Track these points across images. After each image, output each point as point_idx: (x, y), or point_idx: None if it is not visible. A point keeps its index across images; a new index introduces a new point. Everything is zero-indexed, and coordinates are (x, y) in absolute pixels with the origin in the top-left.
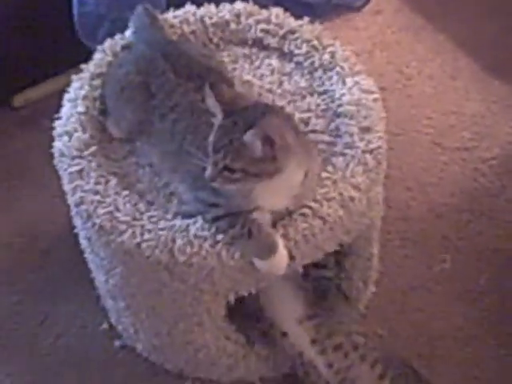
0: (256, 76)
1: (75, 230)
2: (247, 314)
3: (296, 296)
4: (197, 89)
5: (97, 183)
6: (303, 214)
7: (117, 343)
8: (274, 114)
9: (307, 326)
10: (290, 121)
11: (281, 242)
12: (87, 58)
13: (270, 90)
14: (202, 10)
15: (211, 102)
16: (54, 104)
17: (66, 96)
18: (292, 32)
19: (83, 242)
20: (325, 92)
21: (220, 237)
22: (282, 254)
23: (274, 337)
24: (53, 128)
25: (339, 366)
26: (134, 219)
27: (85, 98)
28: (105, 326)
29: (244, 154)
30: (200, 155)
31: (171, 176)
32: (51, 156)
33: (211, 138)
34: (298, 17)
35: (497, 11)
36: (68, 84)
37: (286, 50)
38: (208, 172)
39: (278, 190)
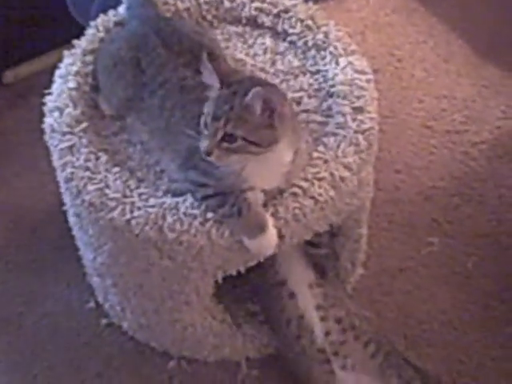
0: (249, 55)
1: (64, 207)
2: (235, 294)
3: (308, 263)
4: (187, 64)
5: (87, 160)
6: (294, 194)
7: (103, 321)
8: (272, 86)
9: (316, 292)
10: (285, 96)
11: (270, 221)
12: (79, 34)
13: (262, 69)
14: None
15: (208, 72)
16: (44, 81)
17: (57, 72)
18: (286, 11)
19: (72, 219)
20: (318, 72)
21: (210, 215)
22: (271, 233)
23: (269, 311)
24: (43, 105)
25: (335, 338)
26: (124, 196)
27: (76, 73)
28: (91, 304)
29: (245, 119)
30: (189, 132)
31: (161, 154)
32: (41, 134)
33: (209, 109)
34: None
35: None
36: (59, 60)
37: (279, 29)
38: (205, 145)
39: (268, 169)
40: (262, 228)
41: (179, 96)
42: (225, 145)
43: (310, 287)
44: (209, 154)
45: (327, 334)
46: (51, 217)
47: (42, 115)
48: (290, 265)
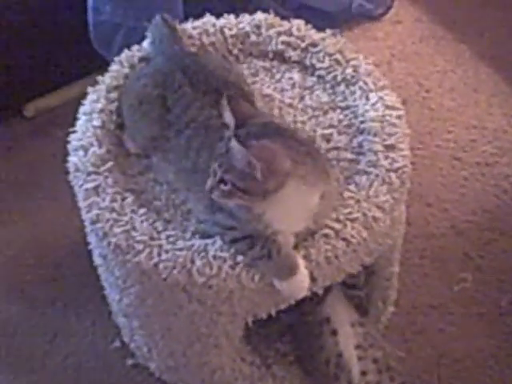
0: (276, 90)
1: (89, 247)
2: (264, 334)
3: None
4: (213, 104)
5: (113, 200)
6: (326, 235)
7: (129, 362)
8: (276, 138)
9: (357, 331)
10: (298, 146)
11: (302, 263)
12: (101, 66)
13: (290, 105)
14: (222, 21)
15: (226, 115)
16: (66, 113)
17: (82, 109)
18: (314, 45)
19: (97, 260)
20: (347, 107)
21: (240, 258)
22: (303, 274)
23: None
24: (65, 138)
25: (371, 378)
26: (151, 238)
27: (101, 111)
28: (117, 343)
29: (233, 167)
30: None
31: (187, 194)
32: (64, 167)
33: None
34: (317, 28)
35: None
36: (81, 94)
37: (307, 63)
38: (208, 182)
39: (290, 212)
40: (293, 270)
41: (205, 136)
42: (221, 186)
43: (352, 326)
44: (211, 192)
45: (363, 373)
46: (75, 253)
47: (64, 148)
48: (334, 302)
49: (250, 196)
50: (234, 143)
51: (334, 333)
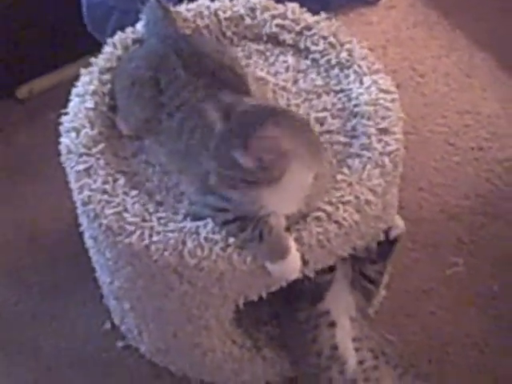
0: (270, 73)
1: (81, 229)
2: (255, 317)
3: (352, 296)
4: (207, 86)
5: (105, 182)
6: (318, 218)
7: (119, 344)
8: (271, 122)
9: (355, 324)
10: (294, 123)
11: (293, 245)
12: (94, 48)
13: (284, 88)
14: (216, 4)
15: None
16: (59, 96)
17: (74, 91)
18: (308, 28)
19: (88, 241)
20: (341, 91)
21: (231, 240)
22: (294, 257)
23: (289, 337)
24: (58, 121)
25: (369, 364)
26: (143, 220)
27: (94, 93)
28: (107, 325)
29: (238, 165)
30: (206, 157)
31: (179, 177)
32: (56, 150)
33: (212, 145)
34: (312, 11)
35: None
36: (74, 76)
37: (301, 46)
38: (211, 179)
39: (285, 194)
40: (284, 252)
41: (198, 119)
42: (227, 181)
43: (351, 320)
44: (216, 188)
45: (361, 362)
46: (68, 237)
47: (58, 131)
48: (336, 296)
49: (257, 184)
50: (237, 150)
51: (332, 324)
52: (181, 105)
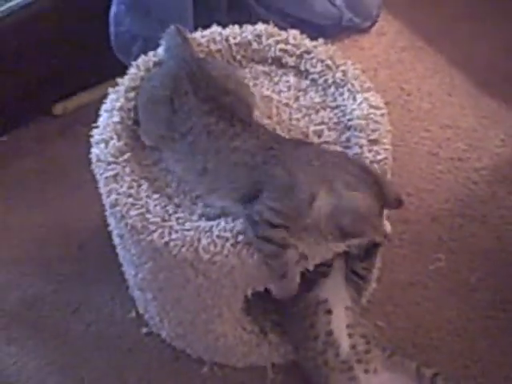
0: (275, 91)
1: (109, 228)
2: (263, 307)
3: (347, 287)
4: (210, 111)
5: (130, 187)
6: None
7: (143, 330)
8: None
9: (348, 313)
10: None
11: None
12: (121, 71)
13: (287, 105)
14: (227, 31)
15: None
16: (90, 113)
17: (103, 107)
18: (308, 52)
19: (116, 240)
20: (337, 107)
21: (240, 238)
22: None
23: (293, 322)
24: (89, 135)
25: (361, 348)
26: (163, 220)
27: (120, 108)
28: (133, 314)
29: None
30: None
31: (198, 187)
32: (87, 160)
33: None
34: (311, 37)
35: (489, 34)
36: (103, 95)
37: (302, 68)
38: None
39: None
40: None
41: (207, 142)
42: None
43: (346, 309)
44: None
45: (354, 347)
46: (97, 235)
47: (88, 144)
48: (334, 286)
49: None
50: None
51: (329, 312)
52: (190, 128)
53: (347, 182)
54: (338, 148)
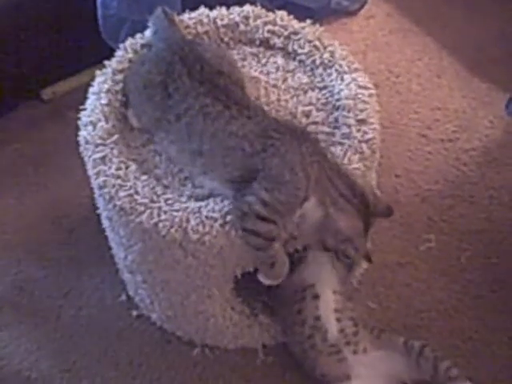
0: (263, 73)
1: (98, 211)
2: (253, 288)
3: (335, 271)
4: (207, 93)
5: (118, 168)
6: None
7: (134, 313)
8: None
9: (337, 297)
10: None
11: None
12: (110, 55)
13: (275, 86)
14: (215, 13)
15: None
16: (79, 97)
17: (91, 89)
18: (295, 33)
19: (105, 222)
20: (325, 87)
21: (229, 218)
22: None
23: (280, 307)
24: (78, 119)
25: (349, 331)
26: (152, 201)
27: (108, 91)
28: (123, 297)
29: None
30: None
31: (192, 170)
32: (76, 144)
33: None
34: (299, 20)
35: (478, 16)
36: (92, 79)
37: (290, 49)
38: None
39: None
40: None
41: (204, 123)
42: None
43: (334, 293)
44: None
45: (342, 331)
46: (86, 219)
47: (77, 127)
48: (320, 270)
49: None
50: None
51: (316, 297)
52: (186, 109)
53: (335, 201)
54: (327, 129)
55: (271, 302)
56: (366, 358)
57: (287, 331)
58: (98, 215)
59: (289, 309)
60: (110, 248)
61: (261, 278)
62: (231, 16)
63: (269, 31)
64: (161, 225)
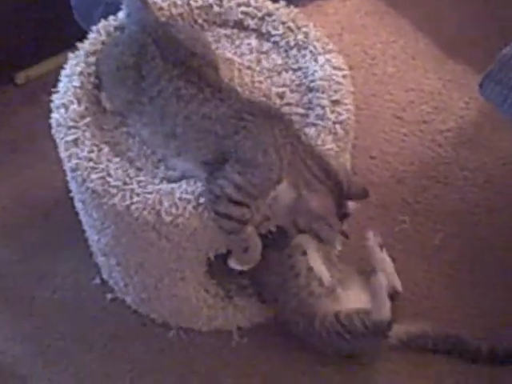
0: (237, 54)
1: (71, 194)
2: (227, 270)
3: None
4: (180, 75)
5: (90, 151)
6: None
7: (108, 296)
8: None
9: (321, 254)
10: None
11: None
12: (83, 37)
13: (249, 67)
14: None
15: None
16: (53, 81)
17: (63, 72)
18: (269, 14)
19: (78, 205)
20: (299, 69)
21: (202, 200)
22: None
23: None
24: (51, 102)
25: (338, 275)
26: (125, 184)
27: (80, 73)
28: (97, 280)
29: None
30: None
31: (165, 152)
32: (50, 128)
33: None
34: (275, 1)
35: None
36: (65, 63)
37: (264, 30)
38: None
39: None
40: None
41: (177, 105)
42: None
43: (318, 251)
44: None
45: (332, 276)
46: (60, 202)
47: (51, 112)
48: (311, 247)
49: None
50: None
51: (304, 253)
52: (160, 91)
53: (308, 182)
54: (301, 110)
55: (247, 281)
56: (352, 295)
57: (279, 294)
58: (72, 198)
59: (279, 269)
60: (83, 231)
61: (232, 263)
62: None
63: (243, 12)
64: (134, 207)
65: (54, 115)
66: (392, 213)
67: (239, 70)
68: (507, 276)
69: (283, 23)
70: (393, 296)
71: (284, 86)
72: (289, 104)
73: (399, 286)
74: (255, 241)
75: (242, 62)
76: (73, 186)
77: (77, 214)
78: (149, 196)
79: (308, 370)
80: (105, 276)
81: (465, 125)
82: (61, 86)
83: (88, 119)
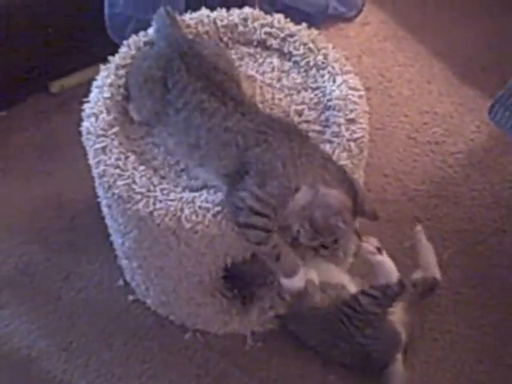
0: (259, 72)
1: (98, 199)
2: (242, 278)
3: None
4: (203, 88)
5: (117, 159)
6: None
7: (130, 297)
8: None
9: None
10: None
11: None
12: (115, 51)
13: (270, 85)
14: (215, 14)
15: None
16: (85, 91)
17: (95, 83)
18: (291, 35)
19: (104, 210)
20: (317, 88)
21: (219, 208)
22: (302, 273)
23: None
24: (82, 111)
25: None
26: (148, 191)
27: (110, 85)
28: (120, 282)
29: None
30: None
31: (188, 162)
32: (80, 136)
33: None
34: (297, 23)
35: (468, 26)
36: (97, 74)
37: (285, 50)
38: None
39: None
40: (296, 270)
41: (201, 118)
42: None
43: None
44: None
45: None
46: (88, 207)
47: (82, 120)
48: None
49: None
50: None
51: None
52: (184, 104)
53: (324, 179)
54: (318, 127)
55: (260, 292)
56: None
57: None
58: (99, 203)
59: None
60: (109, 235)
61: (283, 282)
62: (231, 17)
63: (266, 33)
64: (156, 213)
65: (85, 124)
66: (403, 229)
67: (261, 87)
68: (510, 295)
69: (304, 44)
70: (433, 285)
71: (303, 103)
72: (307, 121)
73: (439, 276)
74: (285, 247)
75: (264, 79)
76: (100, 191)
77: (103, 218)
78: (171, 203)
79: (320, 375)
80: (127, 278)
81: (475, 147)
82: (92, 96)
83: (116, 128)
